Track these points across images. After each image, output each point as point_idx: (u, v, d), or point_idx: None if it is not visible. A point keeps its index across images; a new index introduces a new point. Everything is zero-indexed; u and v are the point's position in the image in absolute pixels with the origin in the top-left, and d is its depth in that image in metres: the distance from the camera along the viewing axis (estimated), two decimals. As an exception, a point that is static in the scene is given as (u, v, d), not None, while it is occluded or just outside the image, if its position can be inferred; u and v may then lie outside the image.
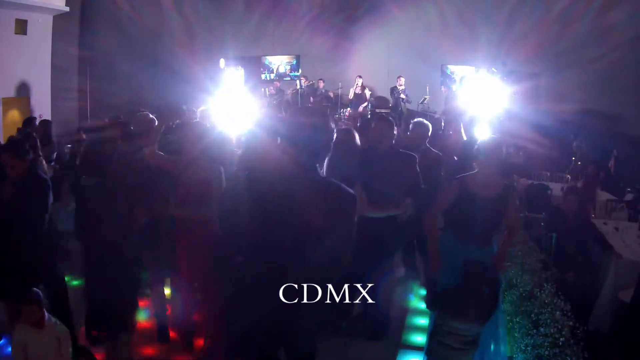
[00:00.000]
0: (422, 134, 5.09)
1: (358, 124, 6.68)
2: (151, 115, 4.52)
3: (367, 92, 13.07)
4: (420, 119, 5.27)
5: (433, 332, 3.27)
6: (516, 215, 3.88)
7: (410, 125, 5.28)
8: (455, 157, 5.35)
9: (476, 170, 3.75)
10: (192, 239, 3.82)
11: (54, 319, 3.27)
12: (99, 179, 3.38)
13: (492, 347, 3.90)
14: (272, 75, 14.54)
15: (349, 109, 12.82)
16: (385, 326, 4.41)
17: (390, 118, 4.52)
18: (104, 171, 3.43)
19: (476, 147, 3.86)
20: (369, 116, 11.11)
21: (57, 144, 6.59)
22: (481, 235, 3.71)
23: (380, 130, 4.26)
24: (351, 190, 2.40)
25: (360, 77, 13.10)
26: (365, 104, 12.92)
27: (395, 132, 4.34)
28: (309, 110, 2.97)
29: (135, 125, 4.46)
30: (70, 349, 3.33)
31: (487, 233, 3.75)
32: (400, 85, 12.63)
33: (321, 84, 13.45)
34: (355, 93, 13.12)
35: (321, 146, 2.40)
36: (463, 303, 3.13)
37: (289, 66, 14.59)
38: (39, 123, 6.52)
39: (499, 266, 3.80)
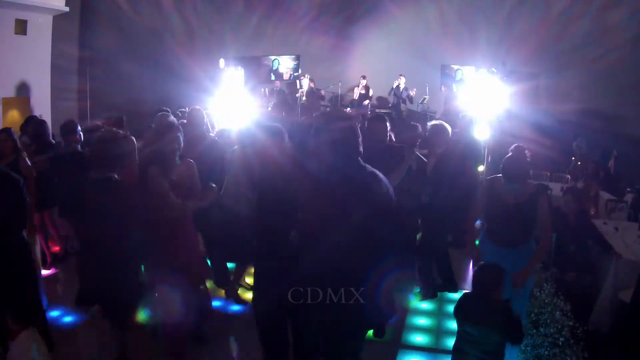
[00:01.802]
0: (442, 135, 5.09)
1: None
2: (171, 119, 4.54)
3: (371, 93, 13.07)
4: (440, 122, 5.26)
5: (456, 343, 3.23)
6: (545, 222, 3.74)
7: (429, 127, 5.26)
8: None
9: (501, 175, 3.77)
10: (189, 236, 3.84)
11: (30, 331, 3.16)
12: (109, 173, 3.37)
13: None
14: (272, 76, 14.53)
15: (348, 108, 12.82)
16: (385, 325, 4.42)
17: (384, 116, 4.57)
18: (115, 166, 3.42)
19: (486, 149, 3.90)
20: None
21: (58, 144, 6.55)
22: (515, 238, 3.70)
23: (375, 129, 4.29)
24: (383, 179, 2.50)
25: (364, 77, 13.11)
26: (367, 102, 12.92)
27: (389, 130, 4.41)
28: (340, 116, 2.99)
29: (155, 125, 4.49)
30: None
31: (521, 235, 3.72)
32: (401, 84, 12.60)
33: (312, 84, 13.44)
34: (360, 93, 13.11)
35: (352, 150, 2.51)
36: (477, 308, 3.08)
37: (291, 67, 14.58)
38: (30, 123, 6.44)
39: (519, 281, 3.67)
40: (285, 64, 14.58)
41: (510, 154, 3.75)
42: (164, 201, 3.63)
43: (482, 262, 3.32)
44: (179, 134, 3.92)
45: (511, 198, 3.65)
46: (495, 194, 3.71)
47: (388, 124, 4.37)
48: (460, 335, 3.18)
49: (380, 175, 2.60)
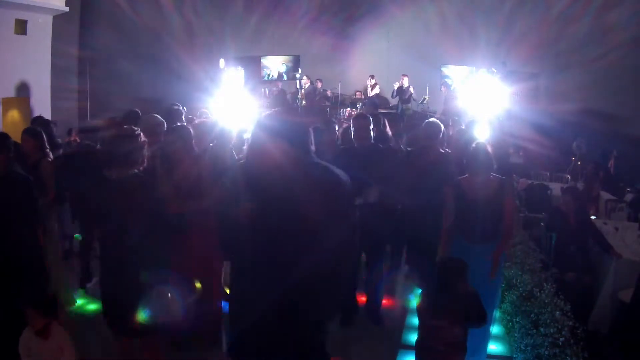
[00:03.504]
0: (432, 133, 5.09)
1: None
2: (160, 118, 4.52)
3: (376, 91, 13.09)
4: (433, 119, 5.28)
5: (418, 339, 3.25)
6: (511, 210, 3.88)
7: (423, 125, 5.29)
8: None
9: (466, 175, 3.84)
10: (188, 235, 3.83)
11: (59, 328, 3.21)
12: (125, 171, 3.33)
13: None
14: (271, 76, 14.54)
15: (348, 108, 12.81)
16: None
17: (367, 115, 4.63)
18: (136, 162, 3.38)
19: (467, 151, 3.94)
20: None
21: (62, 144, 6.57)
22: (484, 233, 3.75)
23: (360, 127, 4.34)
24: (342, 176, 2.47)
25: (372, 76, 13.06)
26: (361, 104, 12.91)
27: (388, 129, 4.45)
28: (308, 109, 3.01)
29: (142, 127, 4.46)
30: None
31: (490, 230, 3.78)
32: (404, 83, 12.57)
33: (319, 84, 13.45)
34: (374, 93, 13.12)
35: (311, 143, 2.46)
36: (441, 302, 3.12)
37: (287, 67, 14.58)
38: (37, 123, 6.47)
39: (494, 267, 3.79)
40: (275, 66, 14.60)
41: (471, 150, 3.79)
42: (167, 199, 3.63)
43: (445, 257, 3.39)
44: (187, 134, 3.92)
45: (477, 194, 3.71)
46: (461, 193, 3.77)
47: (371, 122, 4.42)
48: (423, 330, 3.18)
49: (335, 169, 2.54)
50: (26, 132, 4.71)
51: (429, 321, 3.14)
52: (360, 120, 4.48)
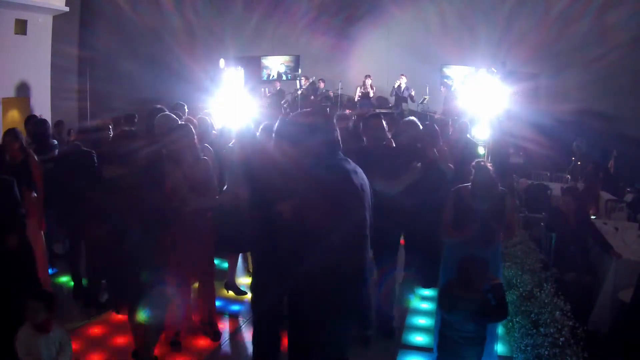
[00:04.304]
0: (411, 133, 5.04)
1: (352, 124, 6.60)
2: (174, 116, 4.51)
3: (372, 93, 13.07)
4: (411, 118, 5.24)
5: (440, 327, 3.39)
6: (512, 219, 3.95)
7: (400, 124, 5.25)
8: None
9: (469, 184, 3.85)
10: (189, 234, 3.83)
11: (59, 325, 3.20)
12: (125, 171, 3.33)
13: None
14: (272, 76, 14.57)
15: (348, 109, 12.81)
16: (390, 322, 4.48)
17: (380, 114, 4.58)
18: (130, 163, 3.38)
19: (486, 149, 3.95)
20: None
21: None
22: (484, 239, 3.76)
23: (372, 128, 4.29)
24: (354, 181, 2.52)
25: (369, 77, 13.04)
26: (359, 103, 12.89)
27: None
28: (309, 111, 3.00)
29: (157, 127, 4.44)
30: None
31: (489, 236, 3.79)
32: (402, 84, 12.59)
33: (321, 84, 13.47)
34: (362, 92, 13.08)
35: (321, 145, 2.49)
36: (456, 296, 3.21)
37: (286, 67, 14.60)
38: (31, 122, 6.40)
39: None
40: (275, 66, 14.61)
41: (474, 172, 3.78)
42: (178, 196, 3.64)
43: (468, 254, 3.40)
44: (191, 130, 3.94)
45: (480, 205, 3.74)
46: (464, 204, 3.78)
47: (385, 122, 4.37)
48: (442, 319, 3.35)
49: (347, 168, 2.60)
50: (7, 134, 4.67)
51: (448, 317, 3.26)
52: (375, 120, 4.35)
